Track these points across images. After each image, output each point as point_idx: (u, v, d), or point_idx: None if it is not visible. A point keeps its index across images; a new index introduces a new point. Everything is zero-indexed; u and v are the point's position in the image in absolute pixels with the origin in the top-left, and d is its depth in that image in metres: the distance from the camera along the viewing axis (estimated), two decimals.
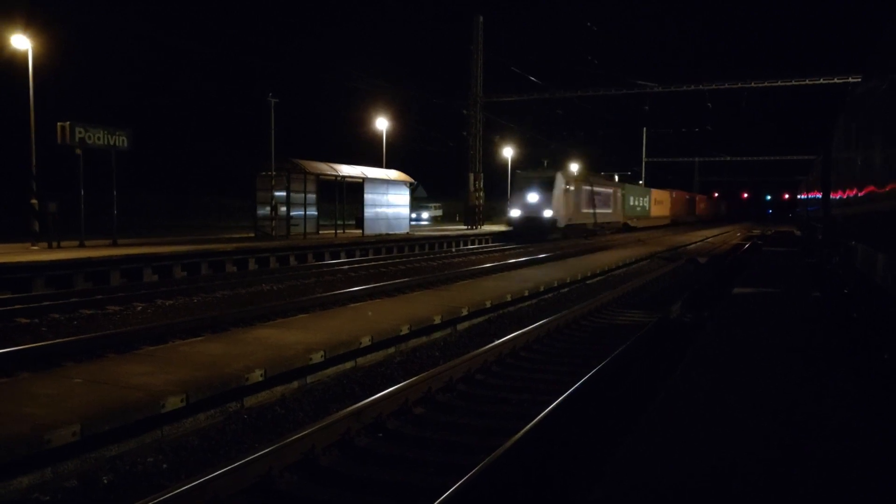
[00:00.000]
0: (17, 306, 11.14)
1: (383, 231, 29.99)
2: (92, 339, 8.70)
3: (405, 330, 9.20)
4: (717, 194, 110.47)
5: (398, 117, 40.26)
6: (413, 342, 9.36)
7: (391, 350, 8.87)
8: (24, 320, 10.35)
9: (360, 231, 29.36)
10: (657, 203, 60.19)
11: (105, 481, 4.84)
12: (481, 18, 37.89)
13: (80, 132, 18.54)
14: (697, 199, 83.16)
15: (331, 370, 7.70)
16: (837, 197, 16.49)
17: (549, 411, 6.06)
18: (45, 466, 4.73)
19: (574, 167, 43.50)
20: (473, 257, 23.74)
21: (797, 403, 5.59)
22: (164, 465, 5.15)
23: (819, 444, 4.62)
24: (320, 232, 29.07)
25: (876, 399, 6.07)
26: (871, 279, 8.78)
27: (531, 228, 34.36)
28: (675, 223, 64.47)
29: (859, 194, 10.68)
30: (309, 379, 7.35)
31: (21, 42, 19.20)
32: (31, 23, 20.06)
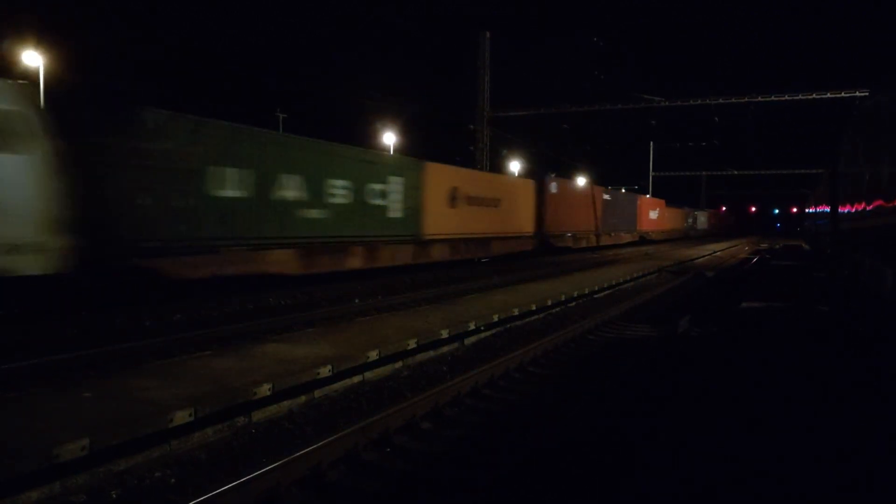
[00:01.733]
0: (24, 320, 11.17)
1: None
2: (101, 354, 8.73)
3: (412, 344, 9.20)
4: (724, 208, 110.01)
5: (405, 132, 40.46)
6: (420, 356, 9.36)
7: (398, 364, 8.86)
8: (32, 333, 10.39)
9: None
10: (461, 202, 23.56)
11: (113, 496, 4.85)
12: (488, 34, 38.10)
13: None
14: (642, 204, 48.38)
15: (338, 384, 7.71)
16: (845, 211, 16.46)
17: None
18: (53, 481, 4.74)
19: None
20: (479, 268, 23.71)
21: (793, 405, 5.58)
22: (172, 480, 5.16)
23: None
24: None
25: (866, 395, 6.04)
26: (880, 293, 8.75)
27: None
28: (551, 250, 30.98)
29: (867, 208, 10.66)
30: (316, 393, 7.35)
31: (33, 58, 19.45)
32: (42, 39, 20.32)
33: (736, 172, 79.37)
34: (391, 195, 19.35)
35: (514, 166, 45.89)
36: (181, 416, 5.71)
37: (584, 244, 35.44)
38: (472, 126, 38.80)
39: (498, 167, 43.60)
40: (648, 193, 65.96)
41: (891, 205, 7.43)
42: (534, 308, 13.34)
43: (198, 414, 5.87)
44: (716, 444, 5.30)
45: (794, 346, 9.04)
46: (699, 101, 35.91)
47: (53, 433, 4.98)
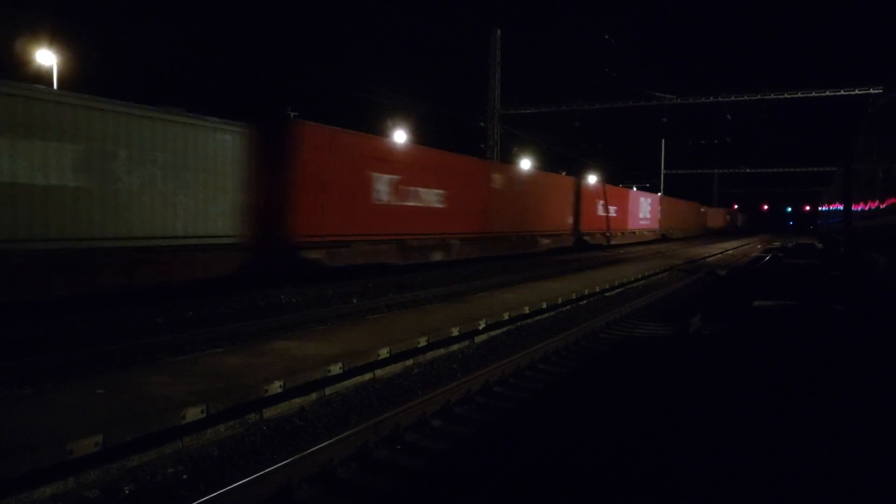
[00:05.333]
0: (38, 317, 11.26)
1: None
2: (113, 350, 8.80)
3: (423, 342, 9.21)
4: (736, 206, 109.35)
5: (416, 130, 40.43)
6: (431, 354, 9.36)
7: (409, 362, 8.88)
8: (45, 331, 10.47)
9: None
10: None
11: (126, 491, 4.89)
12: (499, 32, 38.02)
13: None
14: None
15: (349, 382, 7.73)
16: (859, 209, 16.35)
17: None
18: (67, 476, 4.78)
19: None
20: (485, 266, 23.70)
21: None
22: (185, 476, 5.19)
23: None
24: None
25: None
26: (894, 292, 8.68)
27: None
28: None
29: (881, 206, 10.58)
30: (328, 391, 7.38)
31: (46, 57, 19.56)
32: (55, 38, 20.43)
33: (748, 170, 78.93)
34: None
35: (525, 164, 45.81)
36: (193, 413, 5.74)
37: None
38: (482, 123, 38.74)
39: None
40: (660, 191, 65.54)
41: None
42: (544, 306, 13.32)
43: (210, 410, 5.90)
44: (717, 448, 5.28)
45: (806, 345, 8.99)
46: (711, 99, 35.71)
47: (67, 429, 5.02)
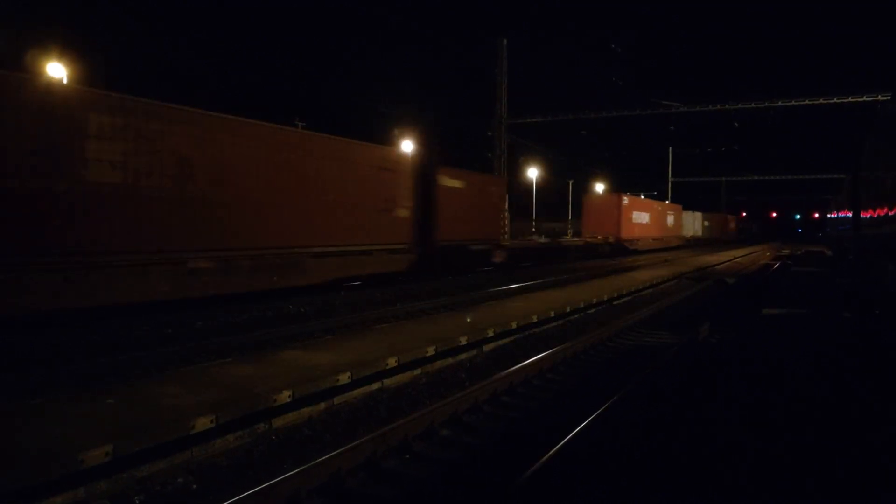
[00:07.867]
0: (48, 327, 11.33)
1: None
2: (123, 361, 8.83)
3: (431, 351, 9.22)
4: (744, 213, 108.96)
5: (423, 139, 40.52)
6: (439, 363, 9.37)
7: (417, 371, 8.88)
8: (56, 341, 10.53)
9: None
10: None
11: (136, 501, 4.91)
12: (505, 41, 38.14)
13: None
14: None
15: (357, 391, 7.74)
16: (868, 216, 16.29)
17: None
18: (78, 486, 4.80)
19: None
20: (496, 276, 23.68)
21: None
22: (194, 486, 5.21)
23: None
24: None
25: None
26: None
27: None
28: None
29: (890, 213, 10.55)
30: (336, 400, 7.39)
31: (57, 70, 19.71)
32: (66, 50, 20.59)
33: (756, 178, 78.72)
34: None
35: (532, 173, 45.81)
36: (203, 423, 5.77)
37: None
38: (489, 133, 38.81)
39: (516, 174, 43.53)
40: (668, 199, 65.34)
41: None
42: (552, 315, 13.30)
43: (219, 420, 5.92)
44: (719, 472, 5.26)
45: (815, 354, 8.95)
46: (718, 107, 35.70)
47: (78, 439, 5.05)
